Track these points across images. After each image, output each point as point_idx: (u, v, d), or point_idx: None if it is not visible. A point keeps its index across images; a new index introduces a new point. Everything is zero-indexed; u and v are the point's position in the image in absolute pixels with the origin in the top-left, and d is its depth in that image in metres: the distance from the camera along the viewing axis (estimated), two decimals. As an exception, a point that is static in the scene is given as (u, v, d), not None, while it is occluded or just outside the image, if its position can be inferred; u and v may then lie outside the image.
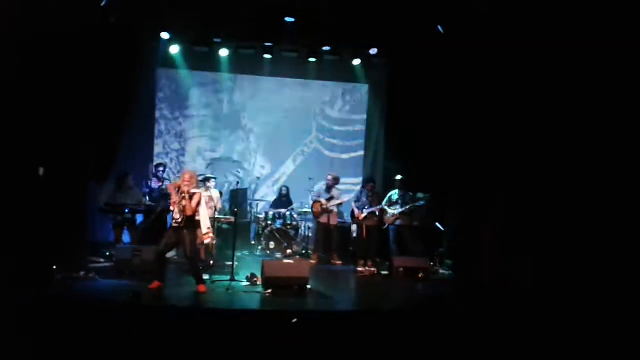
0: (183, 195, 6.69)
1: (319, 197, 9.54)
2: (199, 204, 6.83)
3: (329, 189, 9.53)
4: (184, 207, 6.68)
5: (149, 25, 9.33)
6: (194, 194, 6.77)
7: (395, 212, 9.05)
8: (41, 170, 7.35)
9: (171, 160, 10.67)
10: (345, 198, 9.65)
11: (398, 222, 9.11)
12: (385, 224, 9.18)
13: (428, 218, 9.48)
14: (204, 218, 7.13)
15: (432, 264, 8.92)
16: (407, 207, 9.01)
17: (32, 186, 7.40)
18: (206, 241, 7.67)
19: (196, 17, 9.00)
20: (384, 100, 11.00)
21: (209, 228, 7.31)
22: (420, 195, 9.06)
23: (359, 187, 9.83)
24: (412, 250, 9.02)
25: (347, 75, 11.06)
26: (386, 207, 9.16)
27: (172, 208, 6.83)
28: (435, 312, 6.67)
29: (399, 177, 9.31)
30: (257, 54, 10.53)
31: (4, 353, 4.39)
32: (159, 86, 10.68)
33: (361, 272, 8.72)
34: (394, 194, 9.22)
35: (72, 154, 8.17)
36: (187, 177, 6.81)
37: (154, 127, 10.72)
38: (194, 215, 6.82)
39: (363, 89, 11.31)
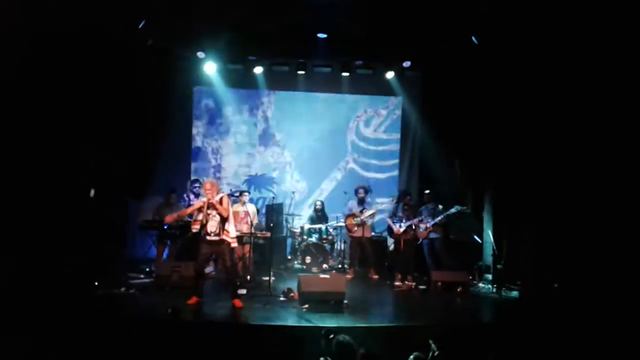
0: (211, 204, 6.76)
1: (351, 210, 9.50)
2: (229, 203, 6.91)
3: (360, 201, 9.48)
4: (218, 214, 6.74)
5: (184, 45, 9.53)
6: (221, 197, 6.85)
7: (428, 225, 8.94)
8: (92, 192, 7.55)
9: (208, 177, 10.81)
10: (378, 207, 9.58)
11: (432, 235, 8.99)
12: (418, 239, 9.06)
13: (465, 230, 9.33)
14: (230, 223, 7.14)
15: (471, 277, 8.75)
16: (439, 218, 8.90)
17: (75, 204, 7.61)
18: (232, 245, 7.72)
19: (230, 36, 9.16)
20: (418, 113, 10.93)
21: (233, 238, 7.28)
22: (457, 207, 8.95)
23: (394, 202, 9.74)
24: (447, 264, 8.88)
25: (380, 89, 11.06)
26: (417, 222, 9.07)
27: (194, 227, 6.90)
28: (473, 326, 6.55)
29: (427, 192, 9.27)
30: (291, 70, 10.64)
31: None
32: (195, 104, 10.88)
33: (399, 286, 8.62)
34: (424, 209, 9.13)
35: (111, 171, 8.36)
36: (208, 186, 6.89)
37: (191, 144, 10.93)
38: (228, 223, 6.86)
39: (397, 103, 11.28)
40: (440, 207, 9.07)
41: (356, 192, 9.59)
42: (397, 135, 11.33)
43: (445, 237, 9.11)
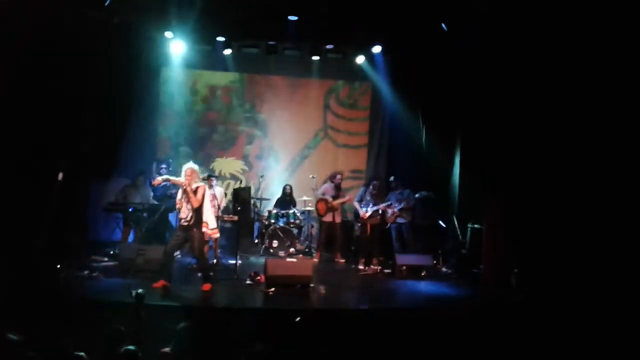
0: (187, 190, 6.72)
1: (323, 195, 9.53)
2: (203, 196, 6.86)
3: (337, 187, 9.52)
4: (189, 202, 6.70)
5: (152, 24, 9.32)
6: (197, 187, 6.80)
7: (395, 209, 9.05)
8: (60, 175, 7.35)
9: (175, 158, 10.66)
10: (350, 196, 9.64)
11: (399, 220, 9.12)
12: (387, 224, 9.18)
13: (430, 215, 9.49)
14: (208, 213, 7.13)
15: (435, 262, 8.93)
16: (405, 203, 9.03)
17: (34, 186, 7.43)
18: (214, 236, 7.72)
19: (199, 16, 8.99)
20: (386, 98, 10.97)
21: (206, 223, 7.25)
22: (423, 193, 9.12)
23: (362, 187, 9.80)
24: (413, 249, 9.04)
25: (350, 74, 11.06)
26: (386, 207, 9.18)
27: (177, 207, 6.86)
28: (437, 310, 6.70)
29: (392, 178, 9.44)
30: (261, 52, 10.53)
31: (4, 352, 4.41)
32: (162, 85, 10.68)
33: (364, 270, 8.73)
34: (391, 194, 9.24)
35: (74, 152, 8.17)
36: (188, 172, 6.84)
37: (158, 125, 10.74)
38: (201, 211, 6.84)
39: (366, 87, 11.30)
40: (407, 192, 9.21)
41: (333, 177, 9.64)
42: (367, 114, 11.38)
43: (412, 222, 9.25)
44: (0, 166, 7.09)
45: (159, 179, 7.13)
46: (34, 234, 7.11)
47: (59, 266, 7.05)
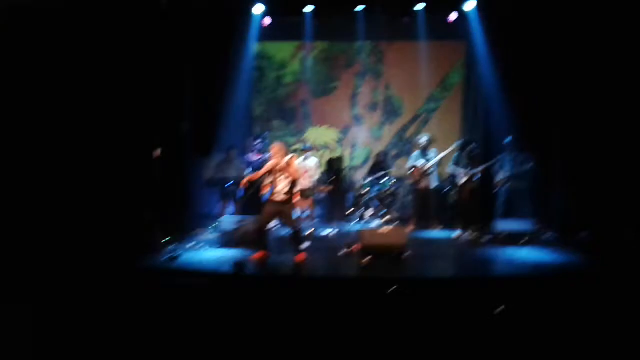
0: (280, 167, 6.85)
1: (414, 161, 9.36)
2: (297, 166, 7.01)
3: (424, 150, 9.32)
4: (288, 176, 6.84)
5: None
6: (289, 159, 6.92)
7: (507, 174, 8.67)
8: (158, 151, 7.81)
9: (271, 131, 10.88)
10: (440, 157, 9.38)
11: (509, 185, 8.74)
12: (495, 187, 8.84)
13: (536, 181, 8.99)
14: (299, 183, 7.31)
15: (537, 226, 8.49)
16: (517, 170, 8.61)
17: (143, 163, 7.91)
18: (305, 206, 7.91)
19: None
20: (483, 58, 10.42)
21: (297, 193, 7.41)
22: (529, 159, 8.61)
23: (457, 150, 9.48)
24: (521, 214, 8.63)
25: (443, 34, 10.62)
26: (497, 169, 8.81)
27: (266, 190, 7.02)
28: (539, 278, 6.41)
29: (508, 139, 8.86)
30: (350, 19, 10.37)
31: (113, 319, 4.80)
32: (255, 60, 10.87)
33: (462, 237, 8.52)
34: (505, 156, 8.82)
35: (175, 130, 8.59)
36: (276, 149, 6.98)
37: (252, 100, 10.99)
38: (296, 184, 6.97)
39: (462, 47, 10.82)
40: (522, 156, 8.69)
41: (418, 142, 9.44)
42: (460, 76, 10.98)
43: (524, 190, 8.79)
44: (111, 147, 7.60)
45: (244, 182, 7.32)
46: (142, 208, 7.60)
47: (165, 240, 7.56)
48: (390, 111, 11.13)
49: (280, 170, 6.90)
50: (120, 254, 6.71)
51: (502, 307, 5.18)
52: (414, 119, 11.10)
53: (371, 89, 11.09)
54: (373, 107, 11.12)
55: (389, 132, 11.11)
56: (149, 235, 7.32)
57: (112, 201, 7.32)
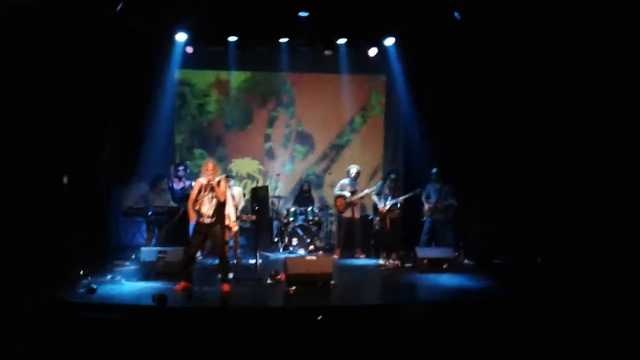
0: (211, 185, 6.71)
1: (342, 190, 9.50)
2: (226, 189, 6.89)
3: (352, 181, 9.48)
4: (214, 196, 6.69)
5: (163, 27, 9.33)
6: (219, 180, 6.81)
7: (431, 205, 8.98)
8: (65, 179, 7.45)
9: (192, 160, 10.69)
10: (368, 190, 9.57)
11: (436, 217, 9.05)
12: (423, 216, 9.12)
13: (457, 212, 9.36)
14: (230, 206, 7.19)
15: (456, 254, 8.83)
16: (444, 203, 8.93)
17: (56, 192, 7.50)
18: (234, 229, 7.80)
19: (210, 16, 8.98)
20: (402, 91, 10.85)
21: (228, 215, 7.32)
22: (451, 196, 8.96)
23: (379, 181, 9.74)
24: (442, 242, 8.94)
25: (363, 68, 10.97)
26: (423, 200, 9.11)
27: (196, 207, 6.84)
28: (462, 304, 6.62)
29: (434, 170, 9.19)
30: (273, 50, 10.49)
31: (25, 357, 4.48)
32: (176, 88, 10.70)
33: (385, 265, 8.68)
34: (430, 187, 9.15)
35: (93, 158, 8.25)
36: (210, 166, 6.83)
37: (174, 128, 10.78)
38: (224, 206, 6.84)
39: (380, 81, 11.21)
40: (447, 187, 9.02)
41: (349, 172, 9.58)
42: (382, 108, 11.31)
43: (448, 220, 9.10)
44: (26, 174, 7.16)
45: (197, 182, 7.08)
46: (58, 238, 7.18)
47: (82, 271, 7.16)
48: (302, 145, 11.26)
49: (209, 190, 6.75)
50: (36, 286, 6.27)
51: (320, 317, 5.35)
52: (325, 155, 11.29)
53: (284, 124, 11.20)
54: (285, 142, 11.22)
55: (301, 166, 11.20)
56: (66, 266, 6.90)
57: (26, 230, 6.84)
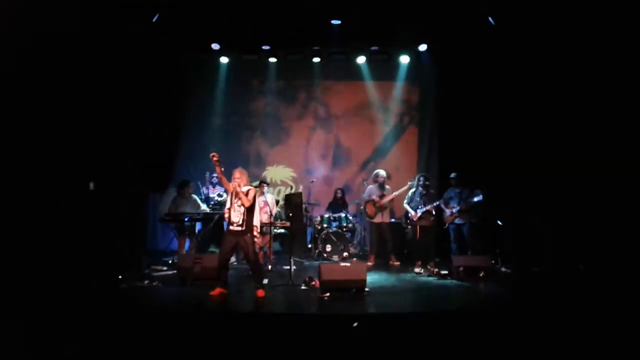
0: (236, 192, 6.80)
1: (370, 195, 9.48)
2: (254, 197, 6.93)
3: (380, 186, 9.44)
4: (242, 204, 6.78)
5: (198, 39, 9.53)
6: (248, 189, 6.88)
7: (454, 210, 8.89)
8: (91, 185, 7.64)
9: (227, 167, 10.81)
10: (396, 193, 9.48)
11: (457, 221, 8.95)
12: (445, 224, 9.02)
13: (486, 214, 9.24)
14: (257, 216, 7.27)
15: (493, 262, 8.68)
16: (465, 204, 8.83)
17: (96, 200, 7.70)
18: (258, 241, 7.87)
19: (244, 26, 9.13)
20: (435, 98, 10.80)
21: (256, 226, 7.39)
22: (477, 191, 8.86)
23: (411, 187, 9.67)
24: (473, 249, 8.83)
25: (397, 75, 10.96)
26: (443, 206, 9.03)
27: (226, 215, 6.95)
28: (498, 312, 6.50)
29: (453, 175, 9.14)
30: (305, 58, 10.59)
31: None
32: (212, 96, 10.87)
33: (420, 273, 8.60)
34: (451, 192, 9.06)
35: (131, 166, 8.43)
36: (237, 174, 6.92)
37: (209, 135, 10.95)
38: (252, 214, 6.91)
39: (414, 87, 11.18)
40: (466, 191, 8.95)
41: (376, 177, 9.55)
42: (415, 115, 11.30)
43: (472, 223, 9.01)
44: (55, 182, 7.37)
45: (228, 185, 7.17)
46: (91, 246, 7.36)
47: (120, 277, 7.31)
48: (340, 159, 11.33)
49: (236, 196, 6.84)
50: (77, 291, 6.44)
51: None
52: (363, 164, 11.33)
53: (322, 138, 11.29)
54: (324, 155, 11.29)
55: (338, 175, 11.29)
56: (106, 270, 7.06)
57: (67, 236, 7.05)
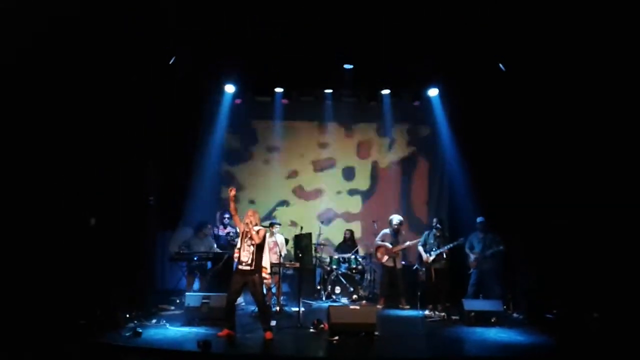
0: (248, 232, 6.80)
1: (383, 241, 9.41)
2: (264, 237, 6.92)
3: (396, 233, 9.38)
4: (252, 244, 6.76)
5: (213, 79, 9.73)
6: (259, 229, 6.88)
7: (477, 255, 8.82)
8: (92, 220, 7.68)
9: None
10: (410, 243, 9.44)
11: (481, 266, 8.87)
12: (469, 268, 8.96)
13: (504, 262, 9.12)
14: (266, 258, 7.24)
15: (505, 307, 8.52)
16: (490, 251, 8.77)
17: (103, 237, 7.72)
18: (267, 282, 7.81)
19: (258, 68, 9.32)
20: (446, 141, 10.85)
21: (265, 268, 7.37)
22: (497, 239, 8.79)
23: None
24: (489, 294, 8.70)
25: (407, 117, 11.08)
26: (467, 251, 8.95)
27: (236, 255, 6.94)
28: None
29: (480, 219, 9.08)
30: (318, 100, 10.75)
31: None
32: (224, 136, 11.00)
33: (430, 317, 8.46)
34: (474, 237, 9.01)
35: (141, 203, 8.47)
36: (249, 212, 6.98)
37: (221, 175, 11.03)
38: (261, 253, 6.89)
39: (425, 130, 11.27)
40: (490, 237, 8.88)
41: (391, 222, 9.46)
42: (429, 156, 11.33)
43: (494, 270, 8.91)
44: (74, 220, 7.42)
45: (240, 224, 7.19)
46: (105, 283, 7.34)
47: (128, 315, 7.26)
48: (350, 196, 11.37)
49: (247, 236, 6.83)
50: (83, 329, 6.39)
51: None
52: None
53: (333, 180, 11.36)
54: (333, 197, 11.36)
55: (347, 216, 11.28)
56: (111, 310, 7.01)
57: (74, 274, 7.03)
